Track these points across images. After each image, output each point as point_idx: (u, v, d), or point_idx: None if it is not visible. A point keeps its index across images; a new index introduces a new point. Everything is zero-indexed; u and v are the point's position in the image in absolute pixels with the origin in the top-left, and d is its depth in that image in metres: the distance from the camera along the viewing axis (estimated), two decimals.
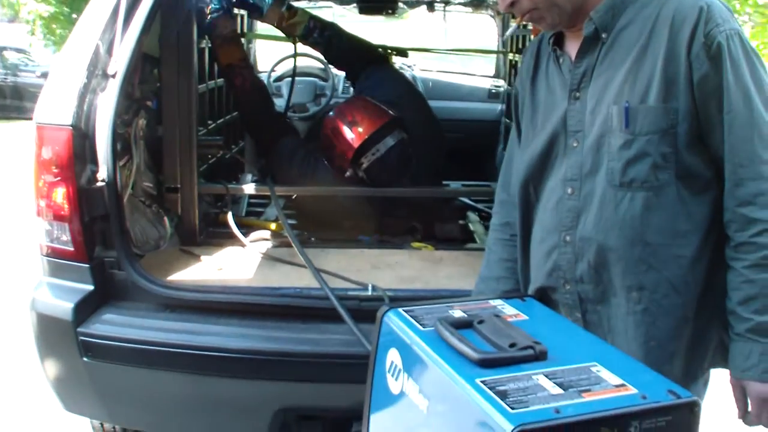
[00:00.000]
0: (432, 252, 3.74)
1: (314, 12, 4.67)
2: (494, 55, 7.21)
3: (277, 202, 3.87)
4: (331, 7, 6.55)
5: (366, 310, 2.87)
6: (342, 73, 6.77)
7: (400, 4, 6.33)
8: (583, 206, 2.01)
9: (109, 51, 3.05)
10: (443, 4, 6.43)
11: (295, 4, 4.70)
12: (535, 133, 2.13)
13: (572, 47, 2.08)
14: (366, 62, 4.51)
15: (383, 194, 4.01)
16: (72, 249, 2.93)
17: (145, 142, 3.61)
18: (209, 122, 4.55)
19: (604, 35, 1.99)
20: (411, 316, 1.90)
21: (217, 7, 4.30)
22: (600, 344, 1.88)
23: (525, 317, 1.96)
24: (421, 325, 1.86)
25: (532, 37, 3.79)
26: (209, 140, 4.12)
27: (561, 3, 1.98)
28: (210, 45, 4.46)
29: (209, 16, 4.30)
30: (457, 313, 1.93)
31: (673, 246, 1.95)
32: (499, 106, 6.85)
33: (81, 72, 2.95)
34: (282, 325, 2.93)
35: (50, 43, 19.97)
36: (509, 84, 6.31)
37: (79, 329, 2.86)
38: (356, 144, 3.80)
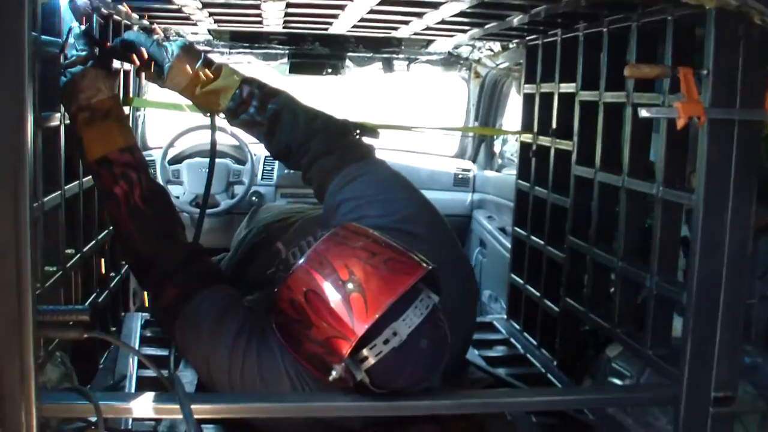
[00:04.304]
0: None
1: None
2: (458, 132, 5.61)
3: None
4: (249, 63, 4.75)
5: None
6: (262, 153, 5.05)
7: (348, 63, 4.64)
8: None
9: None
10: (406, 62, 4.74)
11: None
12: None
13: None
14: (342, 157, 2.68)
15: (400, 412, 2.16)
16: None
17: None
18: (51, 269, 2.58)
19: None
20: None
21: (83, 53, 2.44)
22: None
23: None
24: None
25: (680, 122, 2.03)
26: (63, 313, 2.14)
27: None
28: (67, 122, 2.56)
29: (65, 71, 2.43)
30: None
31: None
32: (468, 196, 5.37)
33: None
34: None
35: None
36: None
37: None
38: (360, 328, 1.99)
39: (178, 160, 5.04)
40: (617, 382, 2.82)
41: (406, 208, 2.57)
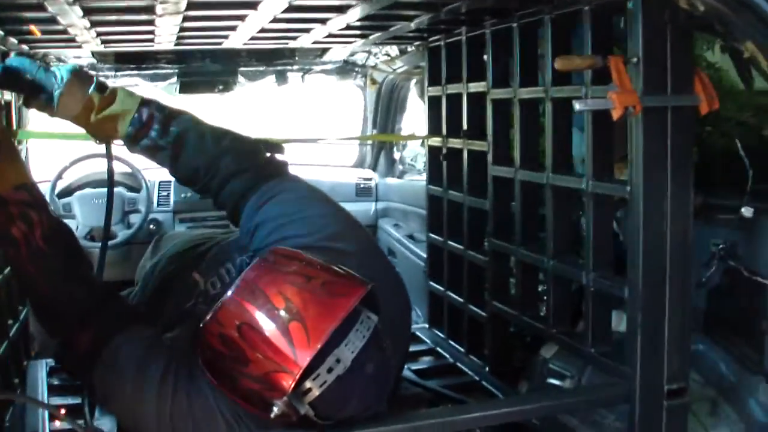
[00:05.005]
0: None
1: None
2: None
3: None
4: (136, 85, 4.52)
5: None
6: (157, 178, 4.82)
7: (239, 78, 4.48)
8: None
9: None
10: (301, 74, 4.61)
11: None
12: None
13: None
14: (255, 176, 2.51)
15: None
16: None
17: None
18: None
19: None
20: None
21: None
22: None
23: None
24: None
25: (615, 113, 1.97)
26: None
27: None
28: None
29: None
30: None
31: None
32: (372, 205, 5.23)
33: None
34: None
35: None
36: None
37: None
38: (303, 359, 1.85)
39: (67, 192, 4.75)
40: (557, 383, 2.76)
41: (329, 225, 2.42)
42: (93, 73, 4.04)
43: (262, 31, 2.90)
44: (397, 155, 5.33)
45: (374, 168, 5.43)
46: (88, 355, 2.25)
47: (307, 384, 1.88)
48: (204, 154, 2.52)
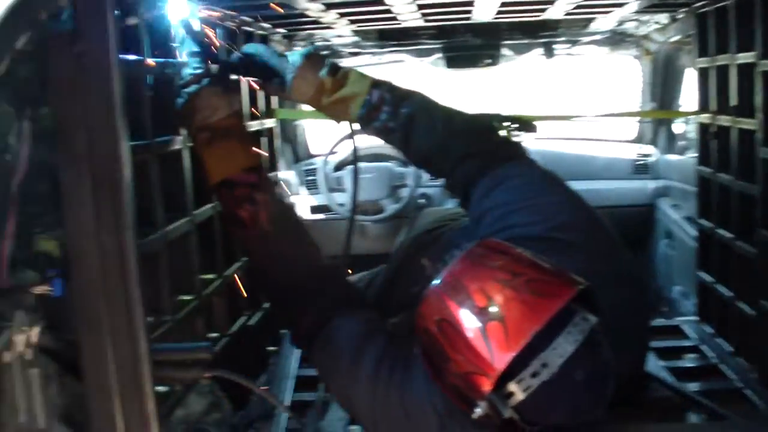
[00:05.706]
0: None
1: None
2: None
3: None
4: (402, 61, 4.54)
5: None
6: None
7: (505, 52, 4.34)
8: None
9: None
10: (569, 45, 4.39)
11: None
12: None
13: None
14: (485, 160, 2.39)
15: None
16: None
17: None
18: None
19: None
20: None
21: (197, 71, 2.28)
22: None
23: None
24: None
25: None
26: (181, 352, 1.97)
27: None
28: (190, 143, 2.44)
29: (183, 90, 2.28)
30: None
31: None
32: (649, 184, 4.87)
33: None
34: None
35: None
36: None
37: None
38: (500, 362, 1.72)
39: (340, 166, 4.89)
40: None
41: (558, 214, 2.26)
42: (356, 50, 4.13)
43: (505, 4, 2.76)
44: (679, 129, 4.95)
45: (654, 143, 5.08)
46: (307, 335, 2.27)
47: (510, 387, 1.75)
48: (434, 137, 2.45)
